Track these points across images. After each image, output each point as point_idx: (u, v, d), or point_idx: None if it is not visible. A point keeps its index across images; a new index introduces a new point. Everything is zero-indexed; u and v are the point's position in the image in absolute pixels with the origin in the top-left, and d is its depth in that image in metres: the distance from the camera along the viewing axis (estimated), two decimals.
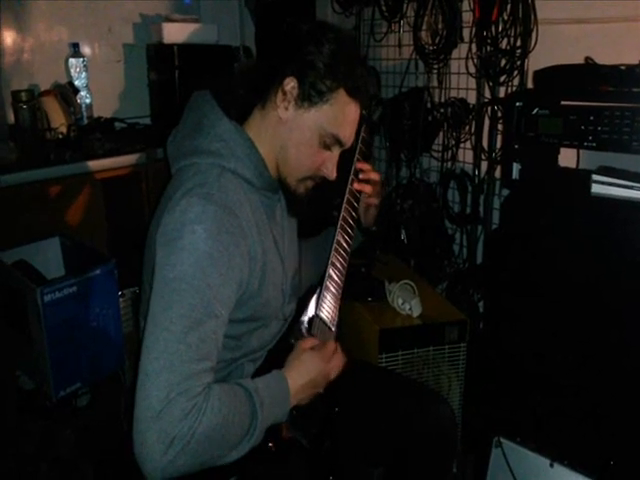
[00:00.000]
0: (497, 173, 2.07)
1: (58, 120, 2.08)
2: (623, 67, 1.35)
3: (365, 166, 1.37)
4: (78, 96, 2.22)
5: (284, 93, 1.05)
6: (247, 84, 1.13)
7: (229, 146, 1.05)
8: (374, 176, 1.37)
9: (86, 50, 2.37)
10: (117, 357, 1.76)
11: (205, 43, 2.36)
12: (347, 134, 1.11)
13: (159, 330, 0.89)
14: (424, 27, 2.23)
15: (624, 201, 1.30)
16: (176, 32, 2.30)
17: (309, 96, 1.06)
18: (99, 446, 1.65)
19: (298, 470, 1.14)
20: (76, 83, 2.23)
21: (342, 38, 1.07)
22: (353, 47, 1.10)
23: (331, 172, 1.14)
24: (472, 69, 2.08)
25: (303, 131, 1.08)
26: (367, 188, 1.35)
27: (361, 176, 1.36)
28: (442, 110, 2.23)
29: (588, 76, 1.40)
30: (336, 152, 1.13)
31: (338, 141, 1.11)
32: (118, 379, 1.77)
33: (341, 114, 1.08)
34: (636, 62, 1.35)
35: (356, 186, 1.35)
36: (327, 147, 1.11)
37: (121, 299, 1.82)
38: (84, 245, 1.86)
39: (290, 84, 1.05)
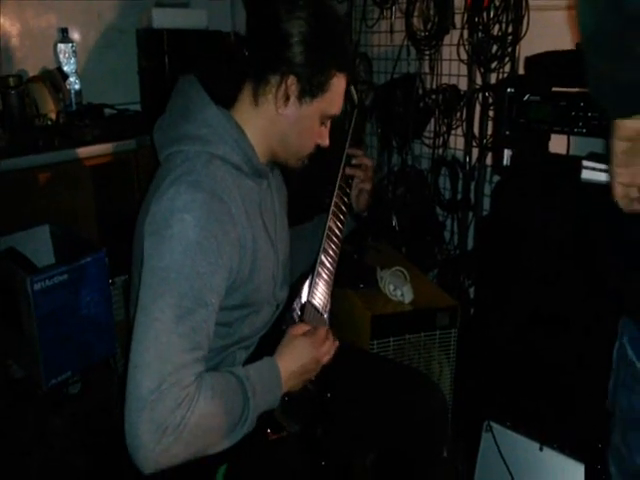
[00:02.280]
0: (488, 160, 2.07)
1: (47, 106, 2.06)
2: None
3: (357, 152, 1.38)
4: (67, 82, 2.20)
5: (284, 92, 1.05)
6: (236, 71, 1.11)
7: (217, 132, 1.04)
8: (366, 161, 1.38)
9: (75, 35, 2.34)
10: (108, 345, 1.76)
11: (195, 28, 2.34)
12: (340, 106, 1.14)
13: (149, 320, 0.89)
14: (416, 13, 2.22)
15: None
16: (165, 17, 2.27)
17: (309, 91, 1.06)
18: (90, 434, 1.65)
19: (290, 456, 1.14)
20: (65, 69, 2.21)
21: (321, 12, 1.05)
22: (332, 15, 1.09)
23: (326, 141, 1.17)
24: (464, 55, 2.07)
25: (306, 121, 1.10)
26: (359, 173, 1.36)
27: (354, 161, 1.37)
28: (433, 96, 2.22)
29: (578, 62, 1.39)
30: (329, 123, 1.16)
31: (334, 115, 1.14)
32: (109, 367, 1.77)
33: (337, 94, 1.10)
34: None
35: (348, 171, 1.35)
36: (323, 124, 1.14)
37: (112, 287, 1.81)
38: (74, 233, 1.85)
39: (290, 84, 1.04)
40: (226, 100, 1.10)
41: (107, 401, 1.61)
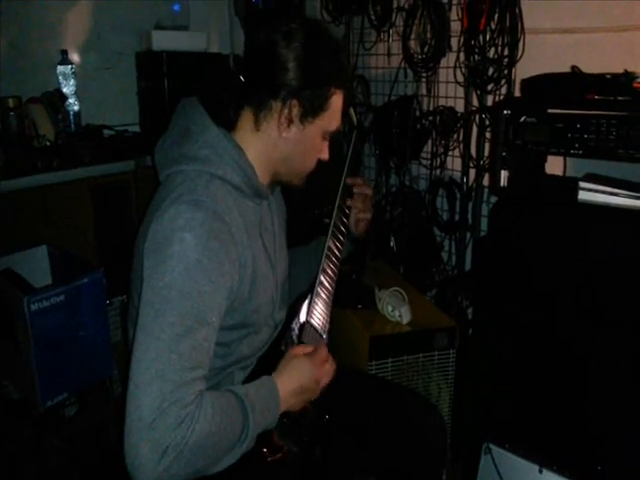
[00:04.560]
0: (485, 181, 2.08)
1: (46, 127, 2.07)
2: (609, 76, 1.37)
3: (356, 181, 1.39)
4: (66, 103, 2.21)
5: (287, 116, 1.06)
6: (236, 96, 1.12)
7: (217, 152, 1.05)
8: (366, 191, 1.39)
9: (75, 57, 2.36)
10: (105, 367, 1.74)
11: (194, 51, 2.36)
12: (340, 120, 1.16)
13: (150, 339, 0.89)
14: (413, 36, 2.25)
15: (610, 208, 1.32)
16: (165, 39, 2.30)
17: (312, 111, 1.08)
18: (86, 454, 1.63)
19: (288, 477, 1.13)
20: (64, 90, 2.22)
21: (315, 33, 1.07)
22: (326, 35, 1.10)
23: (327, 155, 1.19)
24: (460, 78, 2.10)
25: (309, 141, 1.12)
26: (358, 203, 1.37)
27: (355, 190, 1.38)
28: (430, 118, 2.24)
29: (574, 84, 1.41)
30: (329, 137, 1.17)
31: (334, 130, 1.15)
32: (106, 389, 1.75)
33: (336, 110, 1.13)
34: (621, 71, 1.37)
35: (348, 202, 1.36)
36: (325, 139, 1.16)
37: (109, 308, 1.80)
38: (72, 254, 1.84)
39: (292, 107, 1.06)
40: (227, 124, 1.11)
41: (104, 423, 1.59)
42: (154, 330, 0.89)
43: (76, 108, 2.25)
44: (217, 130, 1.07)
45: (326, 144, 1.17)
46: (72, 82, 2.24)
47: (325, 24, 1.18)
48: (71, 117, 2.24)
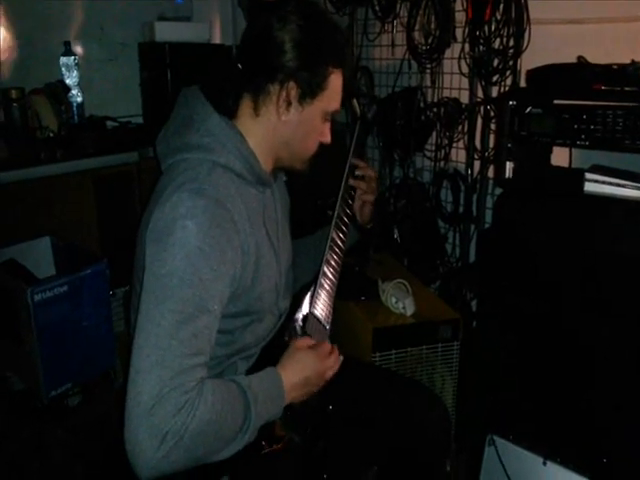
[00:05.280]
0: (490, 172, 2.07)
1: (49, 118, 2.07)
2: (615, 66, 1.35)
3: (360, 162, 1.38)
4: (69, 95, 2.20)
5: (285, 98, 1.06)
6: (235, 83, 1.12)
7: (219, 140, 1.04)
8: (369, 172, 1.38)
9: (78, 49, 2.35)
10: (108, 357, 1.75)
11: (197, 42, 2.35)
12: (340, 101, 1.14)
13: (151, 326, 0.89)
14: (417, 27, 2.23)
15: (617, 199, 1.31)
16: (168, 30, 2.29)
17: (310, 92, 1.07)
18: (90, 446, 1.63)
19: (291, 469, 1.13)
20: (67, 82, 2.22)
21: (310, 14, 1.06)
22: (321, 15, 1.10)
23: (329, 138, 1.17)
24: (465, 69, 2.08)
25: (309, 123, 1.11)
26: (362, 184, 1.36)
27: (357, 172, 1.37)
28: (435, 110, 2.23)
29: (580, 75, 1.40)
30: (329, 119, 1.16)
31: (335, 111, 1.14)
32: (109, 379, 1.76)
33: (336, 90, 1.11)
34: (628, 62, 1.36)
35: (351, 182, 1.35)
36: (326, 120, 1.14)
37: (112, 299, 1.80)
38: (75, 244, 1.85)
39: (290, 89, 1.05)
40: (228, 111, 1.10)
41: (107, 413, 1.59)
42: (155, 317, 0.89)
43: (79, 99, 2.25)
44: (219, 118, 1.06)
45: (327, 126, 1.16)
46: (75, 73, 2.24)
47: (321, 6, 1.17)
48: (74, 108, 2.24)
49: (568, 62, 1.48)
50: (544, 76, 1.49)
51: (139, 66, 2.41)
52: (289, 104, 1.06)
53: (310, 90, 1.06)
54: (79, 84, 2.24)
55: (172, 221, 0.93)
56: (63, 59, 2.22)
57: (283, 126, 1.09)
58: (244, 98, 1.10)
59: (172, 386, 0.85)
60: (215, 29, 2.78)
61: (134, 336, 0.90)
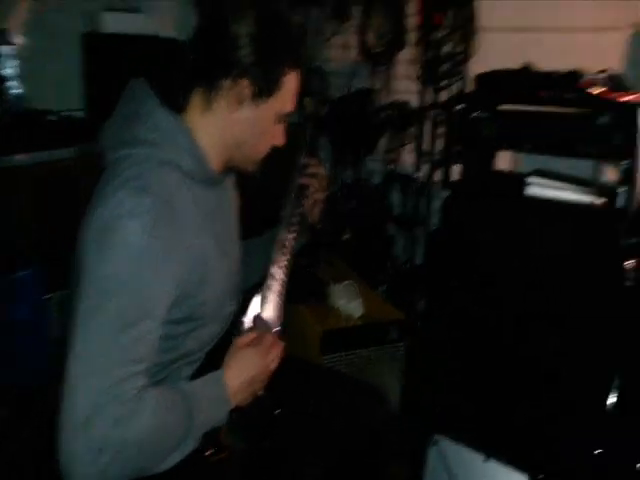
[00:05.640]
0: (438, 175, 2.10)
1: None
2: (558, 74, 1.40)
3: (312, 160, 1.36)
4: (6, 86, 2.10)
5: (238, 95, 1.02)
6: (187, 76, 1.08)
7: (166, 136, 1.00)
8: (321, 170, 1.37)
9: (18, 38, 2.24)
10: (43, 363, 1.66)
11: (145, 34, 2.28)
12: (294, 103, 1.10)
13: (88, 331, 0.84)
14: (370, 29, 2.24)
15: (558, 202, 1.35)
16: (114, 21, 2.21)
17: (264, 91, 1.03)
18: (18, 460, 1.54)
19: (237, 476, 1.10)
20: (4, 72, 2.11)
21: (269, 10, 1.03)
22: (281, 12, 1.05)
23: (282, 140, 1.13)
24: (416, 72, 2.11)
25: (262, 122, 1.07)
26: (314, 182, 1.34)
27: (309, 170, 1.35)
28: (387, 112, 2.24)
29: (526, 81, 1.43)
30: (284, 121, 1.12)
31: (288, 113, 1.10)
32: (44, 386, 1.68)
33: (290, 91, 1.07)
34: (570, 69, 1.40)
35: (303, 180, 1.33)
36: (279, 121, 1.10)
37: (49, 303, 1.72)
38: (10, 244, 1.75)
39: (243, 86, 1.01)
40: (177, 106, 1.06)
41: (39, 425, 1.52)
42: (94, 323, 0.84)
43: (19, 91, 2.14)
44: (166, 113, 1.02)
45: (280, 128, 1.13)
46: (14, 63, 2.13)
47: (280, 2, 1.13)
48: (12, 100, 2.13)
49: (514, 68, 1.51)
50: (490, 81, 1.52)
51: (82, 57, 2.31)
52: (241, 102, 1.03)
53: (265, 89, 1.03)
54: (19, 75, 2.13)
55: (114, 219, 0.88)
56: (0, 48, 2.11)
57: (235, 125, 1.06)
58: (195, 93, 1.06)
59: (110, 395, 0.81)
60: (166, 22, 2.70)
61: (71, 342, 0.85)
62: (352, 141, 2.32)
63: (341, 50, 2.42)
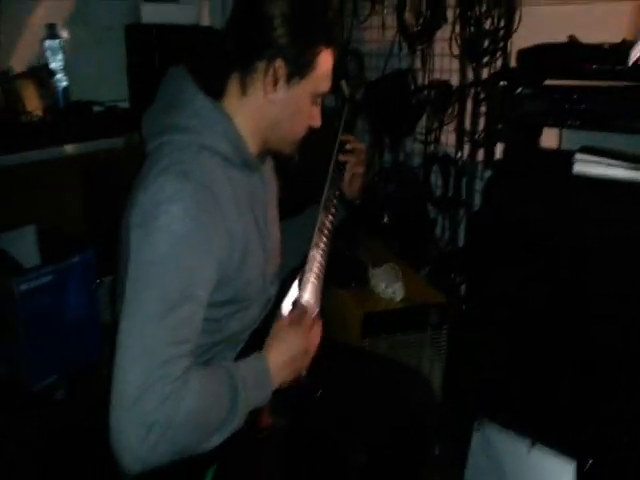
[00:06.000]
0: (480, 156, 2.05)
1: (34, 103, 2.03)
2: (606, 46, 1.34)
3: (349, 137, 1.36)
4: (54, 79, 2.16)
5: (272, 76, 1.02)
6: (223, 62, 1.09)
7: (206, 122, 1.02)
8: (359, 145, 1.36)
9: (63, 32, 2.30)
10: (94, 347, 1.72)
11: (185, 24, 2.31)
12: (329, 83, 1.10)
13: (135, 315, 0.87)
14: (407, 8, 2.20)
15: (607, 180, 1.29)
16: (154, 12, 2.25)
17: (298, 71, 1.03)
18: (75, 440, 1.61)
19: (278, 455, 1.12)
20: (52, 66, 2.17)
21: None
22: None
23: (318, 122, 1.13)
24: (456, 50, 2.06)
25: (297, 103, 1.07)
26: (352, 157, 1.34)
27: (347, 147, 1.34)
28: (426, 92, 2.20)
29: (571, 55, 1.38)
30: (319, 101, 1.12)
31: (324, 93, 1.10)
32: (96, 370, 1.74)
33: (325, 70, 1.07)
34: (619, 41, 1.34)
35: (341, 157, 1.33)
36: (315, 103, 1.11)
37: (100, 288, 1.78)
38: (61, 233, 1.82)
39: (277, 67, 1.02)
40: (215, 92, 1.07)
41: (93, 406, 1.57)
42: (140, 305, 0.87)
43: (64, 84, 2.20)
44: (205, 99, 1.03)
45: (317, 109, 1.12)
46: (60, 57, 2.19)
47: None
48: (59, 93, 2.19)
49: (559, 42, 1.45)
50: (535, 56, 1.47)
51: (126, 49, 2.36)
52: (276, 82, 1.03)
53: (298, 69, 1.03)
54: (64, 68, 2.19)
55: (157, 205, 0.90)
56: (47, 42, 2.17)
57: (271, 106, 1.06)
58: (231, 78, 1.07)
59: (158, 376, 0.83)
60: (203, 11, 2.72)
61: (119, 325, 0.88)
62: (390, 123, 2.29)
63: (379, 30, 2.39)
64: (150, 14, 2.23)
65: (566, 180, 1.35)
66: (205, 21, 2.68)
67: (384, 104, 2.25)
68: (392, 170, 2.39)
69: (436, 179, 2.25)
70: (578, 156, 1.34)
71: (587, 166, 1.32)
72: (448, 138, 2.20)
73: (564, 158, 1.36)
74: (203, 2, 2.70)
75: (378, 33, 2.41)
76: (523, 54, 1.50)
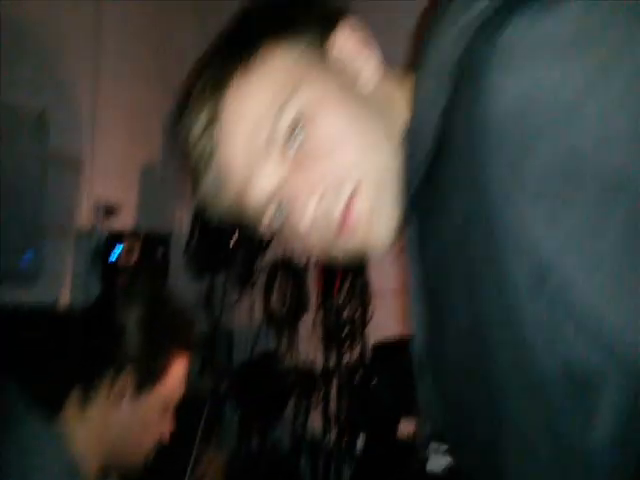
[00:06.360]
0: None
1: None
2: None
3: (207, 449, 1.29)
4: None
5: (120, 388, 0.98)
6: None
7: None
8: (216, 460, 1.28)
9: None
10: None
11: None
12: (182, 387, 1.09)
13: None
14: (273, 294, 2.34)
15: None
16: None
17: (148, 380, 1.01)
18: None
19: None
20: None
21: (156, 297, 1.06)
22: (168, 299, 1.09)
23: (170, 428, 1.09)
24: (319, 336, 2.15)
25: (146, 415, 1.04)
26: (209, 472, 1.25)
27: (204, 460, 1.26)
28: (291, 377, 2.21)
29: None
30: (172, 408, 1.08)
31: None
32: None
33: (179, 376, 1.08)
34: None
35: (198, 470, 1.23)
36: (166, 410, 1.07)
37: None
38: None
39: (126, 378, 0.98)
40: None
41: None
42: None
43: None
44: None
45: (168, 416, 1.07)
46: None
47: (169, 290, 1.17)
48: None
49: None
50: (386, 350, 1.56)
51: None
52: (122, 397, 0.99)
53: (148, 378, 1.01)
54: None
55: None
56: None
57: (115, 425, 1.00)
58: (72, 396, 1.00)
59: None
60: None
61: None
62: (258, 408, 2.22)
63: (248, 313, 2.47)
64: None
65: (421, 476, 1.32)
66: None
67: (251, 388, 2.21)
68: (259, 456, 2.23)
69: (305, 465, 2.13)
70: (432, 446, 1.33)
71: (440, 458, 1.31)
72: (316, 421, 2.15)
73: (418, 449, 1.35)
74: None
75: (248, 315, 2.49)
76: (376, 348, 1.59)
